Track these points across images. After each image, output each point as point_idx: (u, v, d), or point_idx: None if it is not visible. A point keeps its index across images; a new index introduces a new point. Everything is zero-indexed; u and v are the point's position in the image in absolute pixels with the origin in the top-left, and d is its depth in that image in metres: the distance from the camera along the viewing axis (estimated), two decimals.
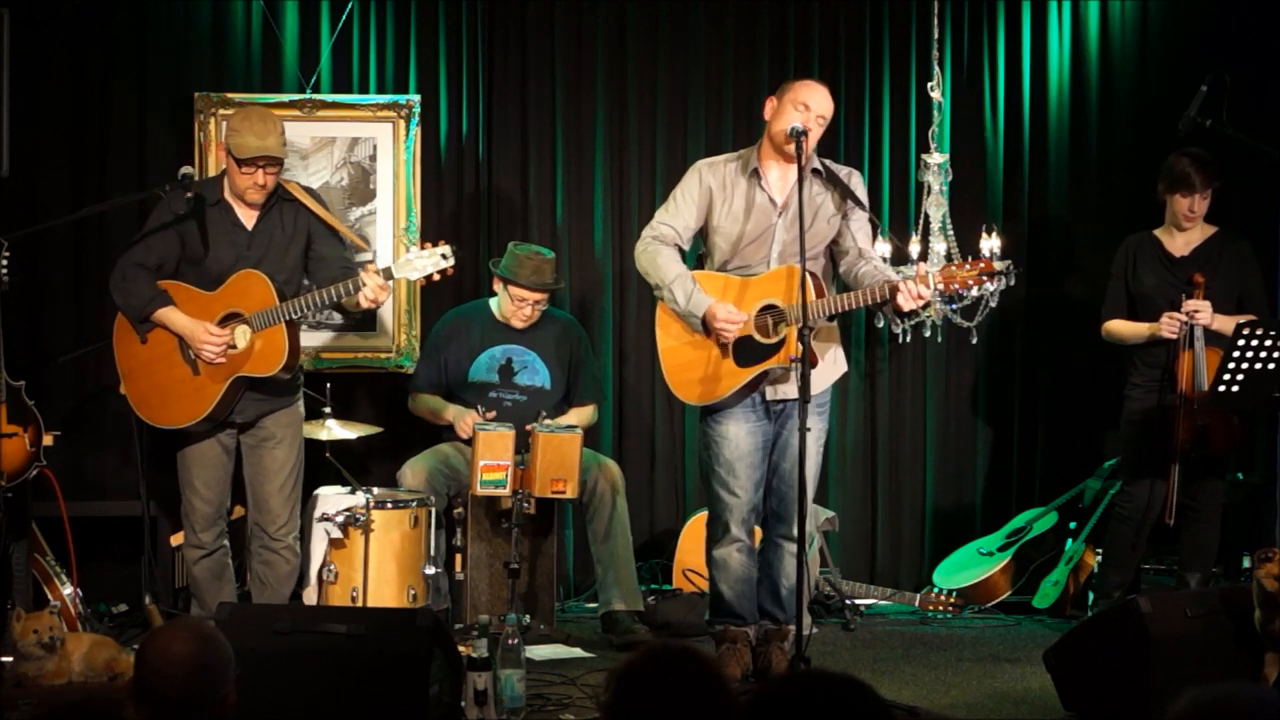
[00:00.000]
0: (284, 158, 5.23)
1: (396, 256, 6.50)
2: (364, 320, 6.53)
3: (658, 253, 5.12)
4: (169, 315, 5.18)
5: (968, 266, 4.88)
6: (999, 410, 6.95)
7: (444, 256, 5.11)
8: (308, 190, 5.38)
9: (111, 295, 5.26)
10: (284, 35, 6.55)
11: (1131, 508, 5.84)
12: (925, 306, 6.28)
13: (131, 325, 5.25)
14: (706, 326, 5.02)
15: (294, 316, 5.13)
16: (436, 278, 5.15)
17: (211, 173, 6.29)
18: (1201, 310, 5.62)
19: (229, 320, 5.15)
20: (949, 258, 6.15)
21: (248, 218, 5.24)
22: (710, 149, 6.43)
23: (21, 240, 5.43)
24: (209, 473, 5.30)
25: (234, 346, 5.13)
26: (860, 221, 5.12)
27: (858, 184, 5.16)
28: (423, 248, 5.15)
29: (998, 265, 4.82)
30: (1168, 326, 5.67)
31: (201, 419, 5.20)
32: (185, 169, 5.25)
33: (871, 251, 5.14)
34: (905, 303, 4.81)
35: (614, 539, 5.92)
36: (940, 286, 4.88)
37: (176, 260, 5.24)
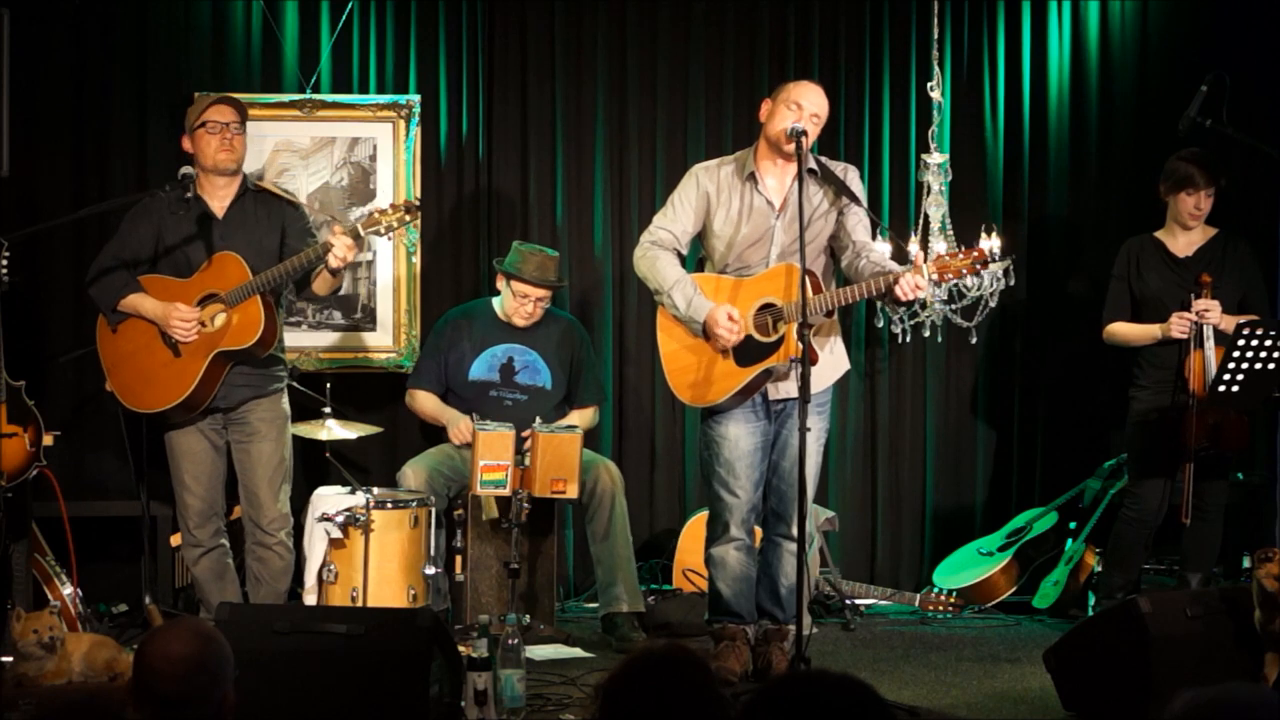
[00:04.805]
0: (243, 108, 5.32)
1: (396, 256, 6.51)
2: (364, 320, 6.53)
3: (657, 258, 5.12)
4: (138, 302, 5.25)
5: (961, 255, 4.90)
6: (999, 410, 6.95)
7: (408, 211, 5.18)
8: (284, 192, 5.52)
9: (89, 294, 5.34)
10: (284, 35, 6.54)
11: (1140, 509, 5.82)
12: (924, 307, 6.34)
13: (105, 318, 5.31)
14: (707, 332, 5.02)
15: (267, 288, 5.15)
16: (402, 232, 5.16)
17: None
18: (1211, 309, 5.62)
19: (206, 301, 5.20)
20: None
21: (218, 207, 5.30)
22: (710, 149, 6.44)
23: (21, 240, 5.43)
24: (197, 466, 5.33)
25: (205, 325, 5.17)
26: (858, 215, 5.11)
27: (854, 180, 5.15)
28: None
29: (989, 252, 4.84)
30: (1178, 326, 5.66)
31: (185, 397, 5.21)
32: (185, 169, 5.27)
33: (871, 245, 5.13)
34: (903, 294, 4.82)
35: (614, 539, 5.92)
36: (935, 276, 4.88)
37: (150, 258, 5.31)
